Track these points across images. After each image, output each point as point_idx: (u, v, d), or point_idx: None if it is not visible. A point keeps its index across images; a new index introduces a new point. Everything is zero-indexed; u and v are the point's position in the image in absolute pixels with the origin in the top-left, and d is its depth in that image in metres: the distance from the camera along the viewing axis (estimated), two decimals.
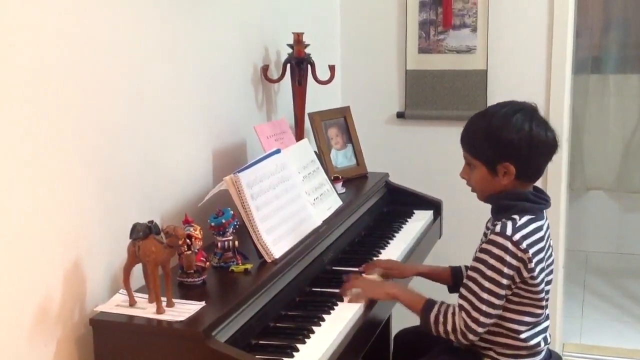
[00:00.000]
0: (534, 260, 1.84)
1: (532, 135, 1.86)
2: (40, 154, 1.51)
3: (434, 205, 2.86)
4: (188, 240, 1.70)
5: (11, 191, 1.44)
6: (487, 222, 2.01)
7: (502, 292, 1.84)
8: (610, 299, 4.24)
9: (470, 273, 1.88)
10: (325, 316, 1.86)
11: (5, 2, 1.40)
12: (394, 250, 2.42)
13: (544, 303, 1.91)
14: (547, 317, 1.97)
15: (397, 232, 2.58)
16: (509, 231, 1.83)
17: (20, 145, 1.46)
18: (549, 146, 1.91)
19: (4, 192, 1.42)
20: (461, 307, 1.86)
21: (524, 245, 1.82)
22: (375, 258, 2.31)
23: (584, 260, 4.81)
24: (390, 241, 2.49)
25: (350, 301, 1.96)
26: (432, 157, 3.34)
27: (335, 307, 1.92)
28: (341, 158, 2.81)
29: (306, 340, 1.73)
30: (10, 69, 1.43)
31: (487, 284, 1.83)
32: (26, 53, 1.47)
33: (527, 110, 1.90)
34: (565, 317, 3.58)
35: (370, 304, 1.98)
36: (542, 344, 1.95)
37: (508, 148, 1.87)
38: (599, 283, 4.47)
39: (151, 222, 1.62)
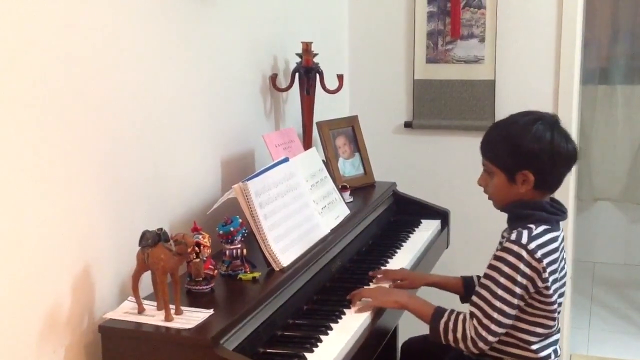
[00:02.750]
0: (548, 270, 1.84)
1: (553, 145, 1.87)
2: (50, 163, 1.52)
3: (442, 215, 2.86)
4: (197, 248, 1.70)
5: (21, 199, 1.45)
6: (502, 231, 2.01)
7: (515, 301, 1.83)
8: (617, 310, 4.22)
9: (483, 281, 1.88)
10: (332, 325, 1.86)
11: (15, 17, 1.42)
12: (401, 259, 2.41)
13: (556, 315, 1.91)
14: (559, 330, 1.97)
15: (405, 242, 2.58)
16: (524, 240, 1.83)
17: (31, 155, 1.47)
18: (569, 157, 1.92)
19: (15, 200, 1.43)
20: (472, 314, 1.86)
21: (538, 254, 1.82)
22: (383, 267, 2.31)
23: (591, 271, 4.80)
24: (397, 250, 2.49)
25: (358, 310, 1.96)
26: (439, 167, 3.34)
27: (342, 316, 1.92)
28: (349, 167, 2.81)
29: (314, 349, 1.73)
30: (20, 77, 1.44)
31: (500, 292, 1.83)
32: (37, 63, 1.48)
33: (548, 121, 1.91)
34: (572, 328, 3.57)
35: (377, 313, 1.98)
36: (553, 356, 1.94)
37: (529, 157, 1.88)
38: (606, 294, 4.46)
39: (160, 229, 1.62)
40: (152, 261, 1.60)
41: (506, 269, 1.83)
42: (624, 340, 3.84)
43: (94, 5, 1.64)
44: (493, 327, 1.84)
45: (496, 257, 1.87)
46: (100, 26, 1.67)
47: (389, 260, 2.40)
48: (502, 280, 1.83)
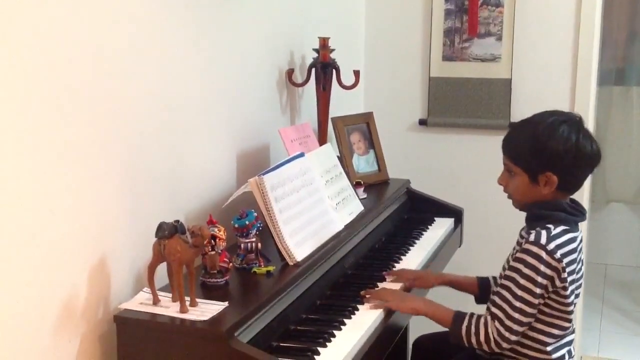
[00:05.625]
0: (567, 270, 1.83)
1: (578, 147, 1.86)
2: (68, 155, 1.53)
3: (455, 213, 2.85)
4: (212, 241, 1.71)
5: (39, 190, 1.46)
6: (520, 231, 2.01)
7: (536, 301, 1.84)
8: (629, 313, 4.21)
9: (503, 282, 1.88)
10: (346, 320, 1.86)
11: (41, 16, 1.43)
12: (414, 257, 2.41)
13: (571, 316, 1.90)
14: (573, 331, 1.97)
15: (418, 239, 2.58)
16: (543, 240, 1.83)
17: (50, 147, 1.48)
18: (593, 159, 1.91)
19: (33, 191, 1.44)
20: (494, 316, 1.86)
21: (558, 254, 1.82)
22: (396, 264, 2.31)
23: (603, 272, 4.78)
24: (410, 248, 2.49)
25: (372, 308, 1.96)
26: (453, 165, 3.33)
27: (356, 311, 1.93)
28: (363, 163, 2.81)
29: (327, 344, 1.73)
30: (44, 73, 1.44)
31: (520, 293, 1.83)
32: (56, 59, 1.48)
33: (573, 122, 1.90)
34: (583, 330, 3.56)
35: (390, 310, 1.97)
36: (567, 356, 1.94)
37: (553, 158, 1.86)
38: (618, 296, 4.44)
39: (177, 221, 1.63)
40: (168, 252, 1.61)
41: (526, 270, 1.83)
42: (635, 343, 3.83)
43: (116, 2, 1.65)
44: (515, 327, 1.84)
45: (516, 259, 1.86)
46: (122, 22, 1.68)
47: (402, 257, 2.40)
48: (522, 281, 1.83)
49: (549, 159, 1.87)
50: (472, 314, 1.92)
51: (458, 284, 2.26)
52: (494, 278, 2.20)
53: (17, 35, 1.38)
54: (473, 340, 1.88)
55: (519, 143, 1.92)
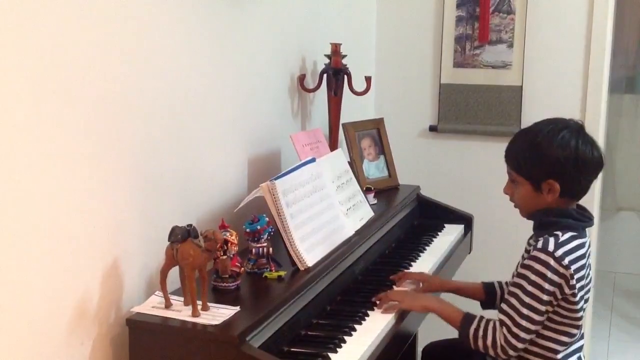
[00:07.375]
0: (576, 277, 1.83)
1: (577, 154, 1.86)
2: (81, 160, 1.54)
3: (465, 220, 2.85)
4: (224, 245, 1.72)
5: (52, 194, 1.47)
6: (528, 239, 2.01)
7: (543, 308, 1.83)
8: (638, 321, 4.19)
9: (511, 289, 1.88)
10: (356, 326, 1.87)
11: (51, 21, 1.44)
12: (424, 263, 2.41)
13: (580, 322, 1.90)
14: (582, 336, 1.96)
15: (428, 246, 2.58)
16: (550, 247, 1.82)
17: (63, 152, 1.49)
18: (595, 165, 1.90)
19: (45, 194, 1.45)
20: (502, 322, 1.86)
21: (566, 261, 1.82)
22: (406, 271, 2.31)
23: (612, 281, 4.76)
24: (420, 254, 2.49)
25: (385, 311, 1.96)
26: (463, 172, 3.33)
27: (366, 317, 1.93)
28: (373, 169, 2.81)
29: (338, 349, 1.74)
30: (50, 76, 1.45)
31: (527, 300, 1.83)
32: (67, 64, 1.49)
33: (573, 128, 1.89)
34: (592, 338, 3.54)
35: (401, 316, 1.98)
36: None
37: (553, 165, 1.86)
38: (627, 304, 4.43)
39: (190, 225, 1.63)
40: (181, 257, 1.61)
41: (533, 277, 1.83)
42: None
43: (126, 5, 1.66)
44: (522, 334, 1.84)
45: (523, 266, 1.87)
46: (132, 27, 1.69)
47: (412, 263, 2.40)
48: (529, 288, 1.83)
49: (550, 166, 1.87)
50: (481, 317, 1.92)
51: (463, 291, 2.26)
52: (499, 283, 2.20)
53: (30, 42, 1.39)
54: (480, 343, 1.88)
55: (520, 152, 1.93)
